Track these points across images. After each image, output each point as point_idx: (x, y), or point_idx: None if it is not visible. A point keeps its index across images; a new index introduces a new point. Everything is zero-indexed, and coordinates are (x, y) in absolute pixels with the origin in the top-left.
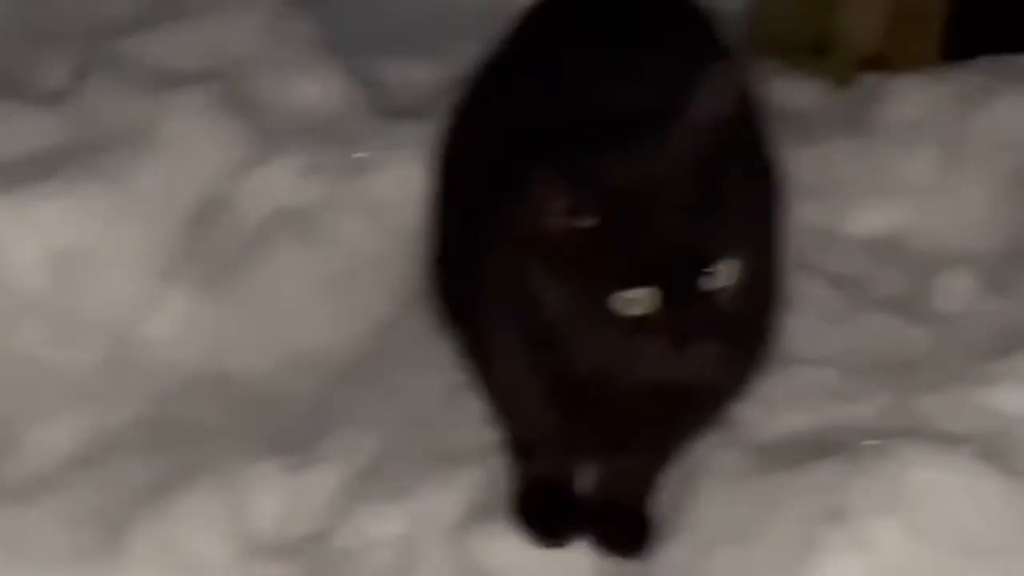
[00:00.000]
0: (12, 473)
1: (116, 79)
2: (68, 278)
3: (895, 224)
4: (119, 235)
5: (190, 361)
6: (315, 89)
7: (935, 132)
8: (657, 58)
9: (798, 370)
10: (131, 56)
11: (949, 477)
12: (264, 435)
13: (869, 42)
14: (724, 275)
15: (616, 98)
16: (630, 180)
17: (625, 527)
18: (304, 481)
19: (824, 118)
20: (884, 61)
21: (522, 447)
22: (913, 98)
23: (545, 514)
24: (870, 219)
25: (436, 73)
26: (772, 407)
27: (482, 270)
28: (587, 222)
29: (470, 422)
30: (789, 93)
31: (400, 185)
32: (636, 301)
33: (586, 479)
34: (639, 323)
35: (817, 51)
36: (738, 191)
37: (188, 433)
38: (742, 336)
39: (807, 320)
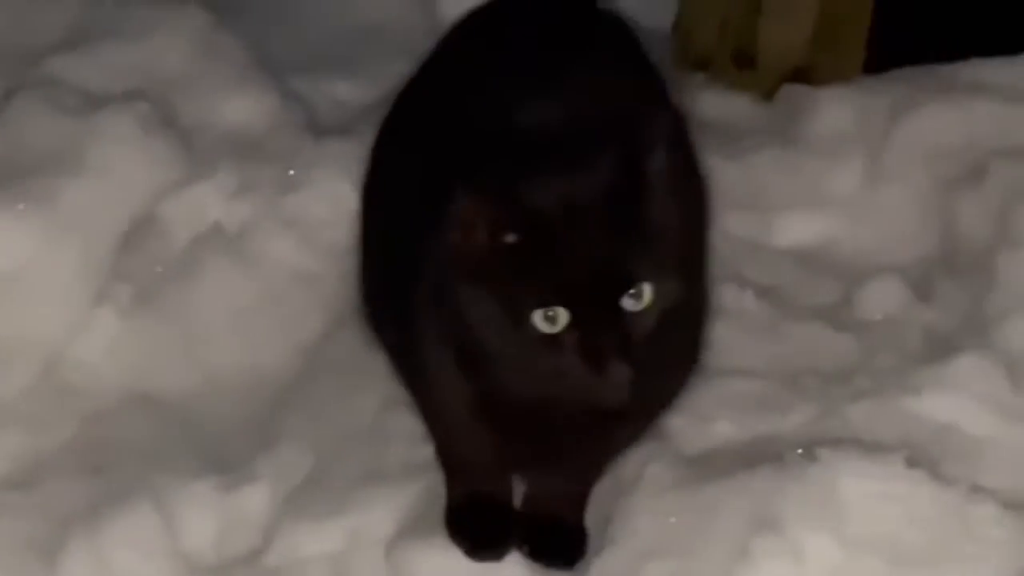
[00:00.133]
0: None
1: (44, 100)
2: None
3: (822, 234)
4: (49, 257)
5: (122, 382)
6: (244, 108)
7: (860, 143)
8: (583, 76)
9: (727, 381)
10: (59, 77)
11: (879, 485)
12: (197, 455)
13: (793, 55)
14: (644, 298)
15: (541, 117)
16: (553, 201)
17: (558, 540)
18: (238, 500)
19: (750, 131)
20: (808, 74)
21: (455, 463)
22: (838, 110)
23: (479, 528)
24: (797, 230)
25: (364, 92)
26: (702, 418)
27: (412, 288)
28: (509, 239)
29: (403, 438)
30: (715, 107)
31: (329, 203)
32: (554, 320)
33: (519, 493)
34: (558, 342)
35: (742, 65)
36: (664, 211)
37: (121, 454)
38: (667, 355)
39: (736, 331)
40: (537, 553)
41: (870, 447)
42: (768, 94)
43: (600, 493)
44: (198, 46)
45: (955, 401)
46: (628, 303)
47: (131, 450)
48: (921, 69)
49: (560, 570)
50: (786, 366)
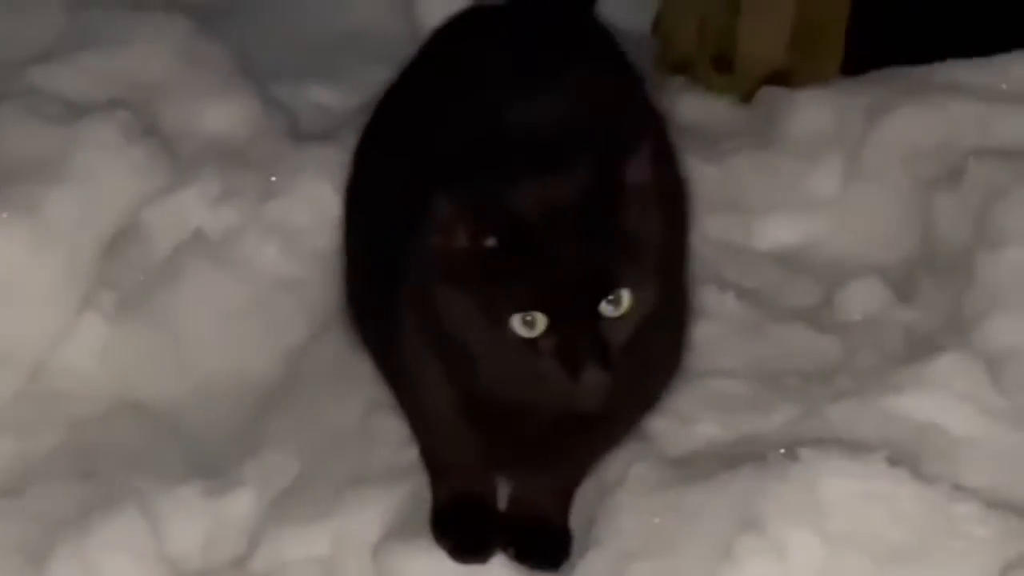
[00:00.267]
0: None
1: (27, 109)
2: None
3: (802, 236)
4: (33, 265)
5: (108, 388)
6: (226, 115)
7: (839, 144)
8: (564, 81)
9: (710, 382)
10: (42, 86)
11: (861, 484)
12: (183, 460)
13: (771, 58)
14: (623, 304)
15: (522, 122)
16: (533, 206)
17: (543, 541)
18: (224, 505)
19: (729, 134)
20: (787, 76)
21: (440, 465)
22: (816, 112)
23: (464, 530)
24: (777, 232)
25: (345, 98)
26: (685, 419)
27: (395, 292)
28: (489, 243)
29: (388, 442)
30: (695, 110)
31: (312, 209)
32: (533, 324)
33: (504, 495)
34: (536, 346)
35: (721, 68)
36: (644, 218)
37: (108, 459)
38: (649, 358)
39: (717, 332)
40: (522, 555)
41: (852, 446)
42: (747, 97)
43: (584, 495)
44: (180, 54)
45: (936, 400)
46: (606, 309)
47: (118, 455)
48: (898, 71)
49: (545, 571)
50: (768, 367)
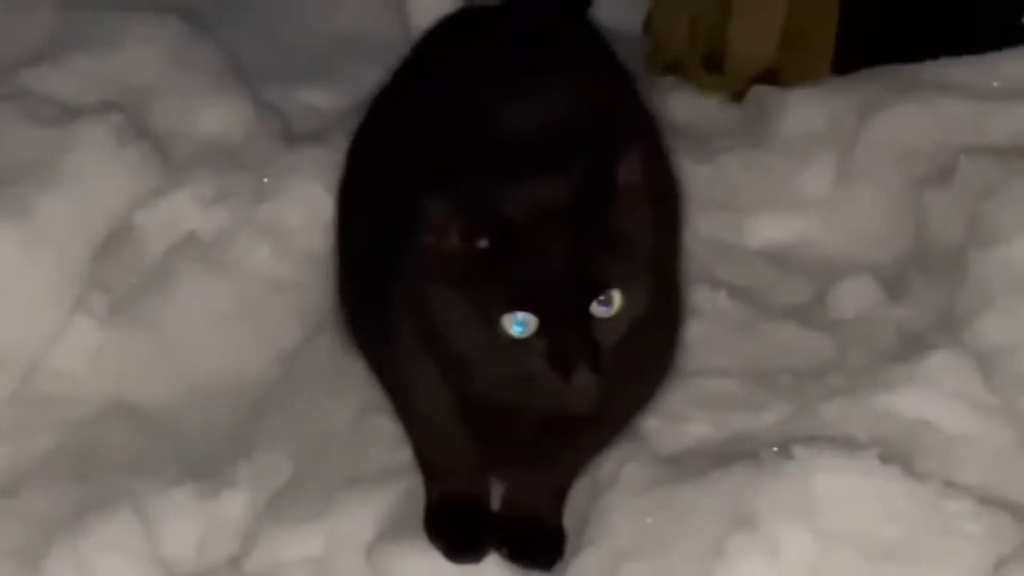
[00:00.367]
0: None
1: (19, 112)
2: None
3: (794, 235)
4: (26, 267)
5: (101, 390)
6: (218, 117)
7: (830, 143)
8: (556, 82)
9: (702, 381)
10: (34, 89)
11: (853, 481)
12: (177, 461)
13: (762, 57)
14: (614, 305)
15: (515, 123)
16: (524, 207)
17: (537, 541)
18: (218, 506)
19: (721, 133)
20: (778, 75)
21: (434, 466)
22: (807, 111)
23: (459, 530)
24: (769, 230)
25: (338, 99)
26: (677, 418)
27: (388, 293)
28: (481, 244)
29: (382, 442)
30: (686, 110)
31: (304, 210)
32: (524, 324)
33: (498, 495)
34: (527, 346)
35: (712, 68)
36: (636, 220)
37: (101, 462)
38: (642, 357)
39: (710, 331)
40: (516, 554)
41: (844, 444)
42: (738, 96)
43: (578, 494)
44: (172, 56)
45: (928, 398)
46: (598, 309)
47: (111, 457)
48: (889, 69)
49: (539, 571)
50: (760, 365)
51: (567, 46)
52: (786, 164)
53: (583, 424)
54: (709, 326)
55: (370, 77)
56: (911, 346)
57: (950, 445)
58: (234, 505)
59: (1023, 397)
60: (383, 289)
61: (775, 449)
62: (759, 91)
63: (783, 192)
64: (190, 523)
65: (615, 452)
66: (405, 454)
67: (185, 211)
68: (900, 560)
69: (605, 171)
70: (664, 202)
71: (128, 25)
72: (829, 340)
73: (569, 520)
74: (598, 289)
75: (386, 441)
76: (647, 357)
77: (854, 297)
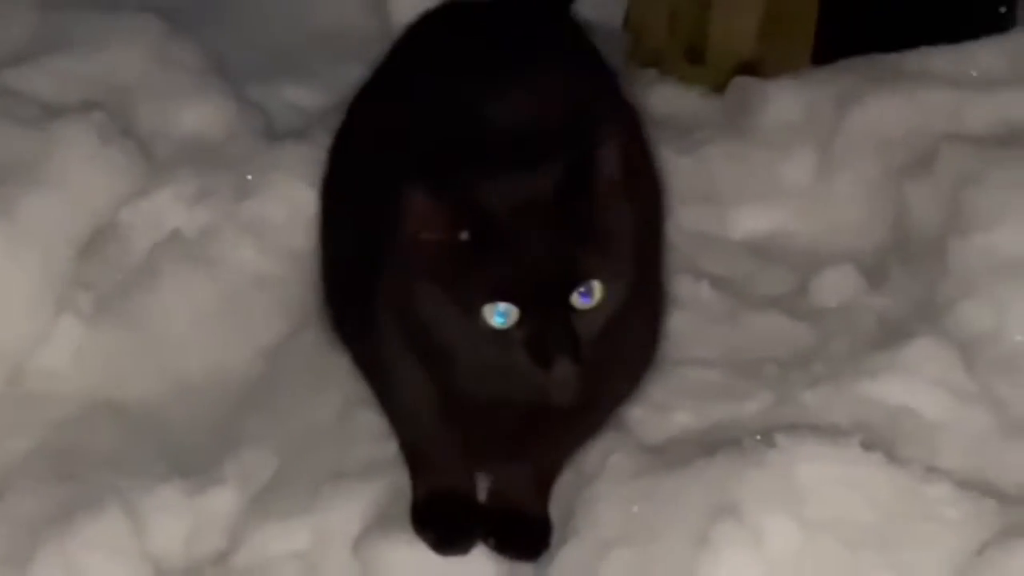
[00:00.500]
0: None
1: (2, 112)
2: None
3: (775, 225)
4: (9, 267)
5: (87, 389)
6: (201, 115)
7: (811, 133)
8: (537, 76)
9: (685, 371)
10: (16, 89)
11: (836, 468)
12: (163, 459)
13: (742, 48)
14: (595, 296)
15: (495, 117)
16: (504, 198)
17: (523, 532)
18: (205, 502)
19: (702, 124)
20: (758, 66)
21: (419, 459)
22: (788, 101)
23: (445, 523)
24: (751, 221)
25: (319, 96)
26: (661, 408)
27: (371, 287)
28: (461, 235)
29: (367, 436)
30: (667, 102)
31: (287, 207)
32: (505, 315)
33: (484, 486)
34: (508, 337)
35: (692, 59)
36: (616, 212)
37: (88, 460)
38: (625, 348)
39: (693, 322)
40: (502, 546)
41: (827, 431)
42: (719, 88)
43: (563, 485)
44: (154, 55)
45: (909, 385)
46: (578, 301)
47: (98, 456)
48: (868, 59)
49: (525, 562)
50: (743, 355)
51: (549, 40)
52: (767, 155)
53: (567, 416)
54: (692, 316)
55: (352, 74)
56: (892, 334)
57: (932, 431)
58: (221, 501)
59: (1003, 383)
60: (366, 284)
61: (758, 437)
62: (740, 82)
63: (765, 183)
64: (177, 520)
65: (600, 442)
66: (390, 448)
67: (168, 209)
68: (882, 546)
69: (586, 164)
70: (646, 194)
71: (109, 25)
72: (811, 329)
73: (555, 511)
74: (578, 281)
75: (371, 435)
76: (630, 348)
77: (836, 286)
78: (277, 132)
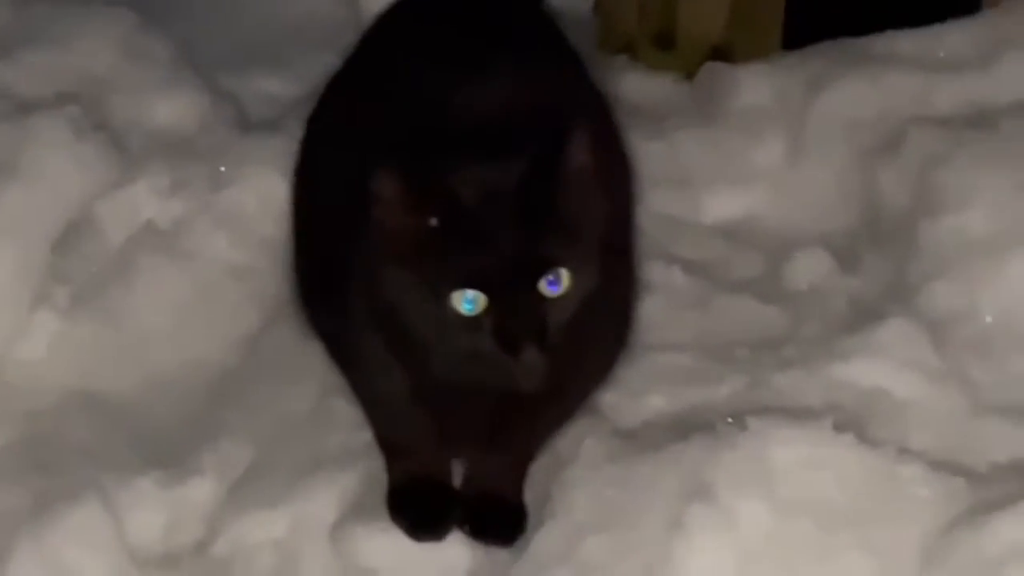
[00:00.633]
0: None
1: None
2: None
3: (747, 209)
4: None
5: (63, 382)
6: (173, 107)
7: (781, 118)
8: (506, 64)
9: (658, 355)
10: None
11: (808, 450)
12: (140, 451)
13: (712, 34)
14: (563, 283)
15: (465, 105)
16: (473, 185)
17: (498, 518)
18: (182, 493)
19: (673, 110)
20: (728, 52)
21: (394, 447)
22: (758, 86)
23: (421, 509)
24: (722, 206)
25: (291, 86)
26: (634, 393)
27: (344, 277)
28: (430, 221)
29: (342, 425)
30: (638, 88)
31: (261, 198)
32: (472, 302)
33: (459, 472)
34: (477, 324)
35: (662, 46)
36: (585, 200)
37: (65, 453)
38: (596, 334)
39: (665, 306)
40: (478, 531)
41: (799, 414)
42: (689, 74)
43: (538, 470)
44: (126, 47)
45: (881, 366)
46: (546, 289)
47: (75, 449)
48: (837, 43)
49: (500, 547)
50: (715, 339)
51: (519, 28)
52: (738, 140)
53: (538, 402)
54: (664, 301)
55: (325, 64)
56: (864, 316)
57: (903, 412)
58: (199, 492)
59: (974, 363)
60: (338, 273)
61: (730, 420)
62: (710, 68)
63: (735, 167)
64: (155, 511)
65: (574, 427)
66: (365, 436)
67: (143, 201)
68: (855, 526)
69: (554, 153)
70: (616, 181)
71: (81, 18)
72: (783, 312)
73: (530, 496)
74: (546, 268)
75: (346, 424)
76: (601, 334)
77: (807, 269)
78: (250, 123)
